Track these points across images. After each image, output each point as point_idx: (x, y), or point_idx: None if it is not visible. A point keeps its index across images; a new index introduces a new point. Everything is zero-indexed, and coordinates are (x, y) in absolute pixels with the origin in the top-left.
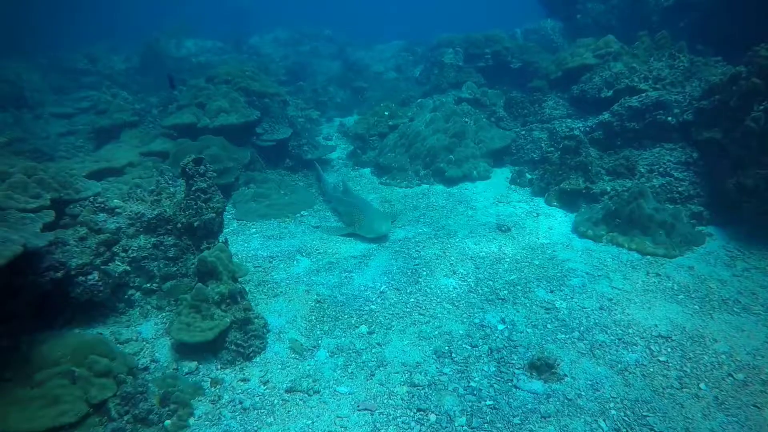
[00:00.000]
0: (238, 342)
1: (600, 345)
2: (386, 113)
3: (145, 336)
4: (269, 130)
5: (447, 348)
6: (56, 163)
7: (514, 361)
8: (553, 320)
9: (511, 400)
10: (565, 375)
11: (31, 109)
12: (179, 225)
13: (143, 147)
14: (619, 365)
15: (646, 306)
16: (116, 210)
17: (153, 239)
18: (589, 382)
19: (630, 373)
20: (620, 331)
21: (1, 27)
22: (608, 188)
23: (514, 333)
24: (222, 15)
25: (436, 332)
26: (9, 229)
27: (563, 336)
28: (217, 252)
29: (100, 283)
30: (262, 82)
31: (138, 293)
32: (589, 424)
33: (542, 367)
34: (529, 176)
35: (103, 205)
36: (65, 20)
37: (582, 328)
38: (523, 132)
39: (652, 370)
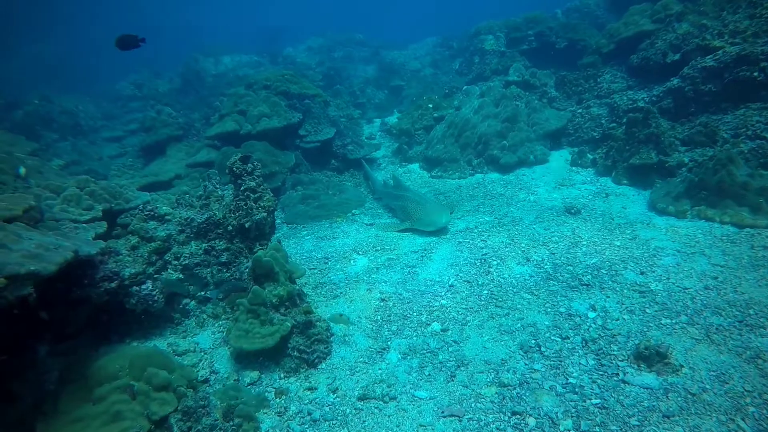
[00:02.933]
0: (301, 347)
1: (717, 329)
2: (430, 105)
3: (203, 346)
4: (312, 132)
5: (534, 341)
6: (108, 181)
7: (615, 352)
8: (652, 304)
9: (622, 398)
10: (681, 366)
11: (86, 135)
12: (230, 228)
13: (189, 159)
14: (748, 352)
15: (763, 283)
16: (166, 217)
17: (204, 244)
18: (714, 374)
19: (765, 361)
20: (738, 313)
21: (61, 66)
22: (686, 159)
23: (608, 321)
24: (256, 32)
25: (519, 325)
26: (61, 237)
27: (668, 321)
28: (271, 252)
29: (154, 293)
30: (302, 84)
31: (193, 302)
32: (725, 424)
33: (652, 357)
34: (591, 156)
35: (153, 213)
36: (114, 52)
37: (689, 311)
38: (579, 110)
39: None
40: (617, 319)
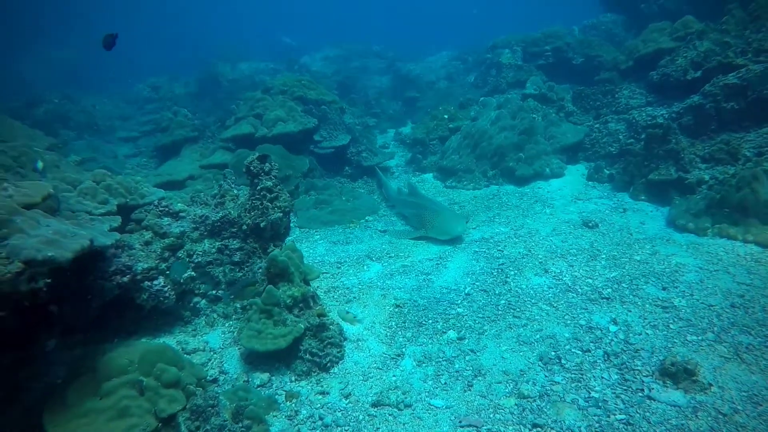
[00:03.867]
0: (314, 351)
1: (747, 348)
2: (446, 116)
3: (213, 345)
4: (327, 138)
5: (554, 353)
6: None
7: (638, 367)
8: (676, 320)
9: (648, 414)
10: (710, 384)
11: (103, 135)
12: (244, 227)
13: (203, 160)
14: None
15: None
16: (180, 214)
17: (218, 243)
18: (745, 394)
19: None
20: None
21: (83, 69)
22: (706, 177)
23: (631, 335)
24: (273, 43)
25: (538, 336)
26: (77, 226)
27: (695, 338)
28: (287, 251)
29: (166, 289)
30: (318, 90)
31: (203, 301)
32: None
33: (678, 374)
34: (607, 171)
35: (167, 209)
36: (133, 55)
37: (715, 328)
38: (597, 125)
39: None
40: (640, 334)
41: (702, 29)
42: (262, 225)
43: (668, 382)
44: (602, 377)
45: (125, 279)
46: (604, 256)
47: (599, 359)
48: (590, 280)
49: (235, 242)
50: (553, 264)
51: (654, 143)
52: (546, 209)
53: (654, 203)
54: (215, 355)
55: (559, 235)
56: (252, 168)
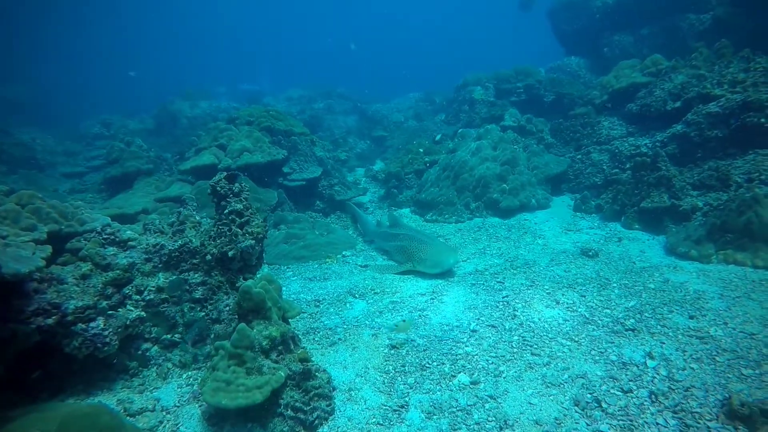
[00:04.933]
0: (297, 405)
1: None
2: (421, 150)
3: (166, 404)
4: (298, 169)
5: (590, 395)
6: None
7: (697, 409)
8: (719, 351)
9: None
10: None
11: (42, 170)
12: (208, 257)
13: (159, 193)
14: None
15: None
16: (129, 242)
17: (174, 277)
18: None
19: None
20: None
21: (27, 104)
22: (700, 203)
23: (674, 371)
24: (235, 88)
25: (566, 376)
26: None
27: (751, 371)
28: (263, 283)
29: (106, 333)
30: (287, 121)
31: (155, 347)
32: None
33: (754, 417)
34: (594, 201)
35: (113, 237)
36: (84, 95)
37: None
38: (579, 156)
39: None
40: (684, 369)
41: (673, 65)
42: (230, 254)
43: (740, 427)
44: (657, 423)
45: (50, 321)
46: (615, 285)
47: (646, 401)
48: (608, 311)
49: (196, 275)
50: (563, 295)
51: (643, 171)
52: (538, 240)
53: (649, 232)
54: (169, 416)
55: (559, 265)
56: (219, 189)
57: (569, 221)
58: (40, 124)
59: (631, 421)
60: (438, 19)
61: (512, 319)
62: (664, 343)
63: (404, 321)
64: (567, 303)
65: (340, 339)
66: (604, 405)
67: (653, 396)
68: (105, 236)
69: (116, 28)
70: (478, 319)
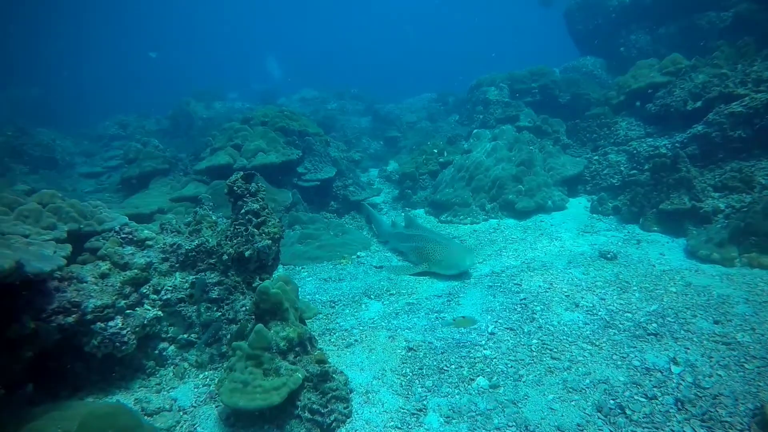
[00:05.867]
0: (314, 407)
1: None
2: (435, 151)
3: (183, 404)
4: (312, 170)
5: (613, 402)
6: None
7: (726, 419)
8: (748, 358)
9: None
10: None
11: (62, 170)
12: (225, 257)
13: (174, 193)
14: None
15: None
16: (147, 242)
17: (191, 277)
18: None
19: None
20: None
21: (42, 101)
22: (722, 205)
23: (700, 377)
24: (249, 82)
25: (587, 381)
26: (4, 246)
27: None
28: (280, 283)
29: (124, 332)
30: (302, 121)
31: (172, 347)
32: None
33: None
34: (612, 203)
35: (131, 236)
36: (100, 96)
37: None
38: (596, 157)
39: None
40: (711, 376)
41: (694, 64)
42: (247, 254)
43: None
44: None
45: (70, 319)
46: (635, 288)
47: (671, 408)
48: (629, 314)
49: (213, 275)
50: (582, 297)
51: (662, 172)
52: (554, 242)
53: (668, 234)
54: (186, 417)
55: (577, 267)
56: (236, 188)
57: (586, 223)
58: (58, 126)
59: (656, 428)
60: (450, 21)
61: (531, 322)
62: (688, 349)
63: (464, 317)
64: (587, 306)
65: (356, 340)
66: (628, 412)
67: (679, 403)
68: (123, 235)
69: (129, 28)
70: (497, 321)
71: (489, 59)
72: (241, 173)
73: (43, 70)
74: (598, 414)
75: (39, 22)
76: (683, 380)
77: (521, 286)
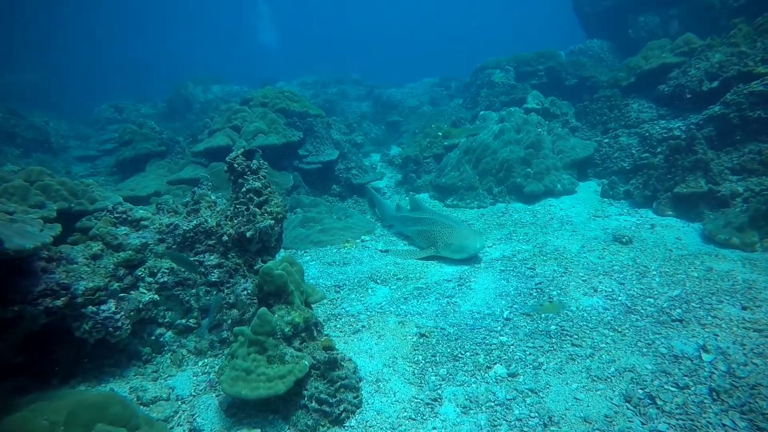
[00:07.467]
0: (322, 397)
1: None
2: (439, 133)
3: (181, 393)
4: (314, 152)
5: (641, 391)
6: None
7: None
8: None
9: None
10: None
11: (56, 154)
12: (225, 238)
13: (171, 176)
14: None
15: None
16: (142, 222)
17: (190, 259)
18: None
19: None
20: None
21: (37, 84)
22: (740, 189)
23: (734, 366)
24: (248, 64)
25: (612, 369)
26: None
27: None
28: (284, 264)
29: (118, 317)
30: (302, 103)
31: (169, 332)
32: None
33: None
34: (623, 187)
35: (125, 216)
36: (98, 80)
37: None
38: (606, 140)
39: None
40: (746, 365)
41: (709, 43)
42: (248, 235)
43: None
44: (723, 424)
45: (58, 302)
46: (654, 272)
47: (705, 398)
48: (651, 300)
49: (212, 257)
50: (600, 282)
51: (677, 154)
52: (566, 226)
53: (683, 218)
54: (184, 406)
55: (592, 251)
56: (236, 165)
57: (597, 207)
58: (53, 110)
59: (692, 420)
60: (452, 5)
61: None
62: (718, 336)
63: (551, 302)
64: (606, 291)
65: (363, 326)
66: (659, 402)
67: (714, 393)
68: (116, 215)
69: (127, 12)
70: (511, 306)
71: (491, 44)
72: (242, 149)
73: (41, 57)
74: (627, 404)
75: (38, 8)
76: (716, 369)
77: (535, 270)
